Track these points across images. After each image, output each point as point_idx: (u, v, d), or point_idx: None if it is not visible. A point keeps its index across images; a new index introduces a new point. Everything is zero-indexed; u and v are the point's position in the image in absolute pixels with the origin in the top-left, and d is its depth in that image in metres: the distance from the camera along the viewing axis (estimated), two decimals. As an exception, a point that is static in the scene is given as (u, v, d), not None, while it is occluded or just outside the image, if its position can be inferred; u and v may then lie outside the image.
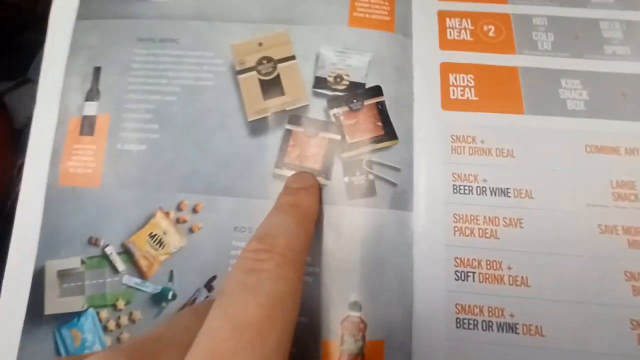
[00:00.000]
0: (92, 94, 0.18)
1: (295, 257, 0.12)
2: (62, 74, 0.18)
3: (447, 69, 0.18)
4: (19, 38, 0.29)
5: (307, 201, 0.15)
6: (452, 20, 0.19)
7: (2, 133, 0.24)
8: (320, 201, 0.16)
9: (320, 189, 0.16)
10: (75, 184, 0.17)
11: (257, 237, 0.12)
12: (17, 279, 0.16)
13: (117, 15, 0.19)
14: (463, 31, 0.18)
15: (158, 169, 0.17)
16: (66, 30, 0.19)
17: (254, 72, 0.18)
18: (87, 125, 0.18)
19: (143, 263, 0.16)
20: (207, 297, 0.16)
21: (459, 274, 0.15)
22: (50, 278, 0.16)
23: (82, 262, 0.16)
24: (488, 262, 0.15)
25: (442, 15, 0.19)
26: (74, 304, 0.16)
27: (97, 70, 0.18)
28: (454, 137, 0.17)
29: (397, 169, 0.16)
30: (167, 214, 0.17)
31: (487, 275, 0.15)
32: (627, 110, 0.17)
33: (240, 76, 0.18)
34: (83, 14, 0.19)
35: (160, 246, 0.17)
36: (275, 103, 0.17)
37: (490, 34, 0.18)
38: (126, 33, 0.18)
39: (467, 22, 0.18)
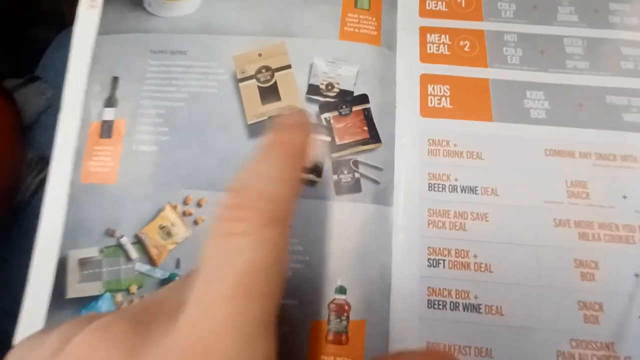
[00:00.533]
0: (111, 101, 0.20)
1: (277, 211, 0.10)
2: (84, 83, 0.20)
3: (426, 80, 0.20)
4: (25, 35, 0.30)
5: (294, 138, 0.12)
6: (432, 35, 0.21)
7: (14, 128, 0.26)
8: (310, 142, 0.12)
9: (311, 127, 0.12)
10: (95, 181, 0.19)
11: (233, 190, 0.10)
12: (43, 267, 0.18)
13: (133, 30, 0.21)
14: (441, 46, 0.21)
15: (167, 167, 0.19)
16: (88, 44, 0.21)
17: (254, 80, 0.20)
18: (107, 129, 0.20)
19: (153, 252, 0.19)
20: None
21: (431, 261, 0.17)
22: (72, 266, 0.18)
23: (101, 251, 0.18)
24: (457, 251, 0.17)
25: (424, 31, 0.21)
26: (93, 288, 0.18)
27: (115, 79, 0.20)
28: (431, 141, 0.19)
29: (379, 169, 0.19)
30: (174, 207, 0.19)
31: (455, 263, 0.17)
32: (583, 119, 0.19)
33: (241, 84, 0.20)
34: (103, 29, 0.21)
35: (168, 236, 0.19)
36: (272, 108, 0.20)
37: (466, 48, 0.21)
38: (141, 46, 0.21)
39: (445, 37, 0.21)
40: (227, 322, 0.09)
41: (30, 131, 0.28)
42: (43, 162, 0.26)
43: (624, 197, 0.18)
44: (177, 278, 0.18)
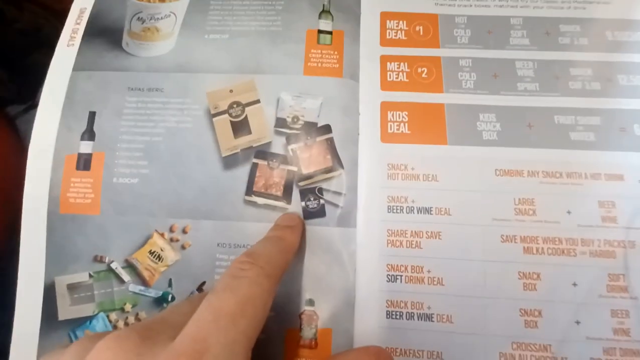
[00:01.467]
0: (88, 135, 0.22)
1: (271, 272, 0.16)
2: (58, 117, 0.22)
3: (386, 107, 0.22)
4: (24, 62, 0.32)
5: (291, 237, 0.19)
6: (392, 64, 0.22)
7: (17, 155, 0.28)
8: (302, 237, 0.20)
9: (303, 227, 0.20)
10: (75, 212, 0.21)
11: (245, 254, 0.16)
12: (28, 292, 0.20)
13: (111, 68, 0.23)
14: (400, 73, 0.22)
15: (150, 198, 0.21)
16: (64, 79, 0.23)
17: (226, 115, 0.22)
18: (83, 162, 0.22)
19: (146, 274, 0.21)
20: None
21: (389, 277, 0.19)
22: (61, 290, 0.20)
23: (90, 275, 0.21)
24: (412, 267, 0.19)
25: (384, 60, 0.23)
26: (86, 310, 0.20)
27: (93, 114, 0.22)
28: (390, 165, 0.21)
29: (342, 194, 0.21)
30: (162, 234, 0.21)
31: (411, 277, 0.19)
32: (532, 139, 0.21)
33: (215, 118, 0.22)
34: (79, 66, 0.23)
35: (159, 260, 0.21)
36: (244, 141, 0.22)
37: (423, 75, 0.22)
38: (118, 83, 0.23)
39: (404, 65, 0.22)
40: (221, 329, 0.13)
41: None
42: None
43: (568, 212, 0.20)
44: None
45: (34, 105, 0.31)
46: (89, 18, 0.24)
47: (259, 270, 0.15)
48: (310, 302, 0.20)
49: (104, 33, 0.24)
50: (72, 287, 0.21)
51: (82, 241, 0.21)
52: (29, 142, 0.31)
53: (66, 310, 0.20)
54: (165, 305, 0.20)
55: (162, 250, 0.21)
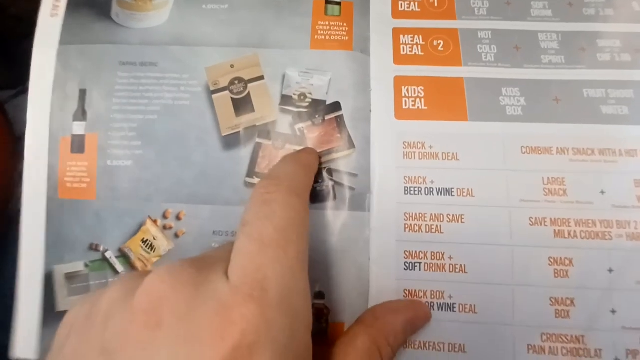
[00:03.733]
0: (79, 115, 0.22)
1: (299, 190, 0.15)
2: (49, 96, 0.21)
3: (400, 82, 0.21)
4: (19, 48, 0.32)
5: (307, 156, 0.19)
6: (406, 37, 0.22)
7: (6, 140, 0.28)
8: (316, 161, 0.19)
9: (316, 154, 0.19)
10: (73, 197, 0.20)
11: (266, 177, 0.16)
12: (29, 282, 0.20)
13: (100, 41, 0.22)
14: (415, 46, 0.22)
15: (145, 182, 0.20)
16: (51, 54, 0.22)
17: (227, 92, 0.21)
18: (77, 144, 0.21)
19: (138, 264, 0.20)
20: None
21: (407, 265, 0.19)
22: (59, 280, 0.20)
23: (86, 265, 0.20)
24: (432, 254, 0.18)
25: (397, 32, 0.22)
26: None
27: (83, 92, 0.21)
28: (406, 144, 0.20)
29: (354, 175, 0.20)
30: (155, 221, 0.20)
31: (431, 265, 0.18)
32: (559, 113, 0.20)
33: (215, 95, 0.21)
34: (66, 39, 0.22)
35: (151, 250, 0.20)
36: (246, 119, 0.21)
37: (440, 48, 0.22)
38: (109, 58, 0.22)
39: (419, 38, 0.22)
40: (272, 259, 0.13)
41: (22, 142, 0.30)
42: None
43: (602, 192, 0.19)
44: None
45: (24, 90, 0.31)
46: None
47: (287, 189, 0.15)
48: (320, 295, 0.19)
49: (90, 2, 0.23)
50: (69, 277, 0.20)
51: (79, 228, 0.20)
52: (18, 126, 0.31)
53: (64, 301, 0.20)
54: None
55: (154, 238, 0.20)
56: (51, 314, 0.20)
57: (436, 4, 0.22)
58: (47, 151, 0.21)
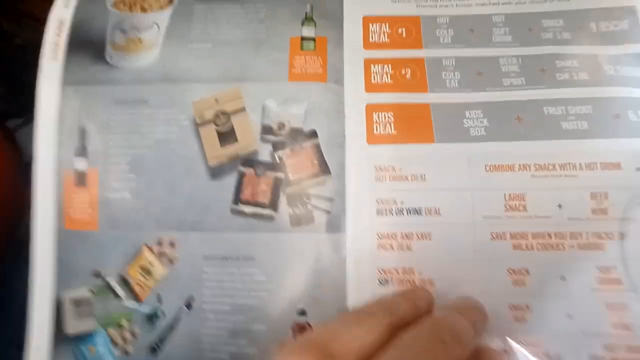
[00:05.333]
0: (81, 151, 0.24)
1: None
2: (55, 134, 0.24)
3: (371, 109, 0.23)
4: (25, 76, 0.34)
5: (404, 307, 0.16)
6: (376, 66, 0.24)
7: (14, 166, 0.30)
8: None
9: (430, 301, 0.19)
10: (78, 228, 0.23)
11: (307, 338, 0.15)
12: (41, 306, 0.22)
13: (96, 81, 0.25)
14: (385, 75, 0.24)
15: (139, 210, 0.23)
16: (54, 95, 0.24)
17: (212, 124, 0.24)
18: (79, 178, 0.24)
19: (137, 290, 0.22)
20: (187, 312, 0.22)
21: (381, 280, 0.21)
22: (67, 305, 0.22)
23: (91, 291, 0.22)
24: (403, 269, 0.21)
25: (368, 63, 0.24)
26: (88, 324, 0.22)
27: (82, 130, 0.24)
28: (377, 168, 0.22)
29: (331, 199, 0.22)
30: (150, 249, 0.23)
31: (402, 280, 0.21)
32: (521, 132, 0.22)
33: (201, 128, 0.24)
34: (66, 80, 0.25)
35: (149, 275, 0.23)
36: (230, 150, 0.23)
37: (407, 76, 0.24)
38: (105, 97, 0.24)
39: (388, 67, 0.24)
40: None
41: (31, 170, 0.32)
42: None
43: (559, 205, 0.21)
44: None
45: (31, 118, 0.33)
46: (70, 30, 0.25)
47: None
48: (303, 312, 0.21)
49: (86, 45, 0.25)
50: (76, 301, 0.22)
51: (83, 256, 0.23)
52: (28, 154, 0.33)
53: (72, 325, 0.22)
54: (155, 320, 0.22)
55: (151, 265, 0.23)
56: (61, 336, 0.22)
57: (404, 34, 0.24)
58: (54, 184, 0.23)
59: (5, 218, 0.29)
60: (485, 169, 0.22)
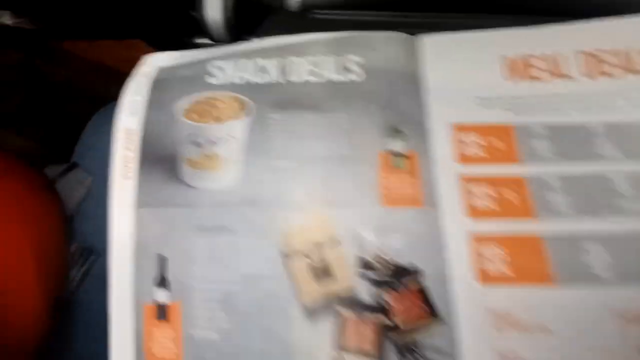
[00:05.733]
0: (160, 282, 0.23)
1: None
2: (132, 262, 0.23)
3: (477, 240, 0.21)
4: (61, 115, 0.33)
5: None
6: (476, 186, 0.22)
7: (56, 220, 0.28)
8: None
9: None
10: None
11: None
12: None
13: (172, 203, 0.23)
14: (486, 198, 0.22)
15: (229, 356, 0.21)
16: (128, 217, 0.23)
17: (303, 257, 0.22)
18: (161, 311, 0.22)
19: None
20: None
21: None
22: None
23: None
24: None
25: (464, 181, 0.22)
26: None
27: (162, 259, 0.23)
28: (494, 314, 0.20)
29: (445, 353, 0.20)
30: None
31: None
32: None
33: (291, 261, 0.22)
34: (141, 202, 0.23)
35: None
36: (327, 287, 0.21)
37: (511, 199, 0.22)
38: (184, 222, 0.23)
39: (487, 186, 0.22)
40: None
41: (72, 222, 0.30)
42: (86, 253, 0.28)
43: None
44: None
45: (70, 167, 0.30)
46: (141, 143, 0.24)
47: None
48: None
49: (159, 161, 0.24)
50: None
51: None
52: (68, 203, 0.30)
53: None
54: None
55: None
56: None
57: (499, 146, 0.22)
58: (133, 318, 0.22)
59: (48, 275, 0.26)
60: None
